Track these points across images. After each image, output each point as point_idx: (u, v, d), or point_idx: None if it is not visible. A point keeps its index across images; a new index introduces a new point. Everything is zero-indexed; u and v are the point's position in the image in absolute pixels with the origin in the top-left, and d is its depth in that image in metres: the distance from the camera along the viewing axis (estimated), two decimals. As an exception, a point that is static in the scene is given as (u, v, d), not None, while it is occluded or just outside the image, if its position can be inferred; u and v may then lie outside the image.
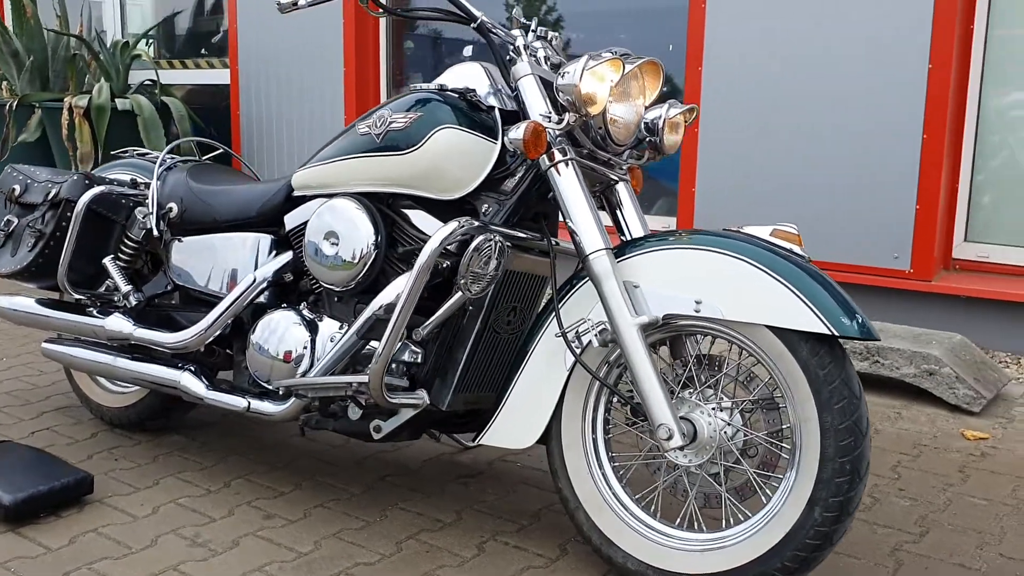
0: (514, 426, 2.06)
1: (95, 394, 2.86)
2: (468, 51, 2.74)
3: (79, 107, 5.41)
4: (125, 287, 2.58)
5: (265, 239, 2.43)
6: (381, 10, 2.17)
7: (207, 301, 2.53)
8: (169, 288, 2.58)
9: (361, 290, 2.22)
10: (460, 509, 2.34)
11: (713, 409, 1.91)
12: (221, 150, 2.80)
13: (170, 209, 2.53)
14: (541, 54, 2.20)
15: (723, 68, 4.12)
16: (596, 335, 1.94)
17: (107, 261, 2.61)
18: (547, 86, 2.06)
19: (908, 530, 2.25)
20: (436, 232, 1.98)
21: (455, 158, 2.06)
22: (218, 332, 2.38)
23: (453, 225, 1.97)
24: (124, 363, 2.52)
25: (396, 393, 2.07)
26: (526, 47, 2.13)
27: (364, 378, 2.04)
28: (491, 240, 1.98)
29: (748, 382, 1.96)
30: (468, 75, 2.18)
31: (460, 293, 2.01)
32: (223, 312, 2.37)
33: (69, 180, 2.56)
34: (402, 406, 2.08)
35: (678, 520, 1.96)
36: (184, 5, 6.53)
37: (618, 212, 2.19)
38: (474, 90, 2.13)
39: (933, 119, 3.69)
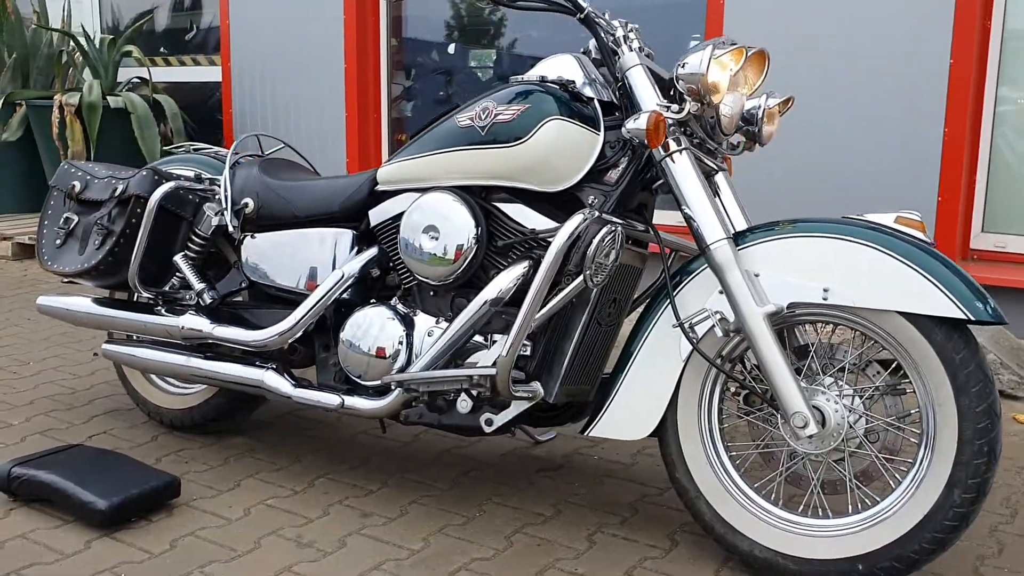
0: (628, 417, 2.06)
1: (153, 396, 2.78)
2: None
3: (70, 105, 5.26)
4: (199, 284, 2.52)
5: (346, 234, 2.39)
6: (490, 1, 2.15)
7: (283, 298, 2.48)
8: (243, 285, 2.52)
9: (459, 284, 2.19)
10: (556, 503, 2.32)
11: (838, 396, 1.92)
12: (281, 146, 2.74)
13: (245, 204, 2.47)
14: (635, 44, 2.20)
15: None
16: (718, 325, 1.94)
17: (179, 258, 2.54)
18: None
19: (998, 511, 2.30)
20: (564, 225, 1.97)
21: (562, 150, 2.05)
22: (304, 329, 2.34)
23: (579, 218, 1.96)
24: (199, 363, 2.46)
25: (516, 385, 2.05)
26: (625, 38, 2.13)
27: (490, 370, 2.02)
28: (614, 231, 1.97)
29: (863, 369, 1.98)
30: (564, 67, 2.17)
31: (571, 285, 1.99)
32: (311, 308, 2.32)
33: (138, 176, 2.48)
34: (521, 398, 2.06)
35: (800, 508, 1.98)
36: (161, 1, 6.39)
37: (718, 202, 2.20)
38: (573, 81, 2.12)
39: (954, 113, 3.78)
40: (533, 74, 2.18)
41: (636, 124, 1.94)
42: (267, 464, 2.54)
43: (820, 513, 1.95)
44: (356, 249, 2.39)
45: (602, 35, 2.12)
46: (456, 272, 2.16)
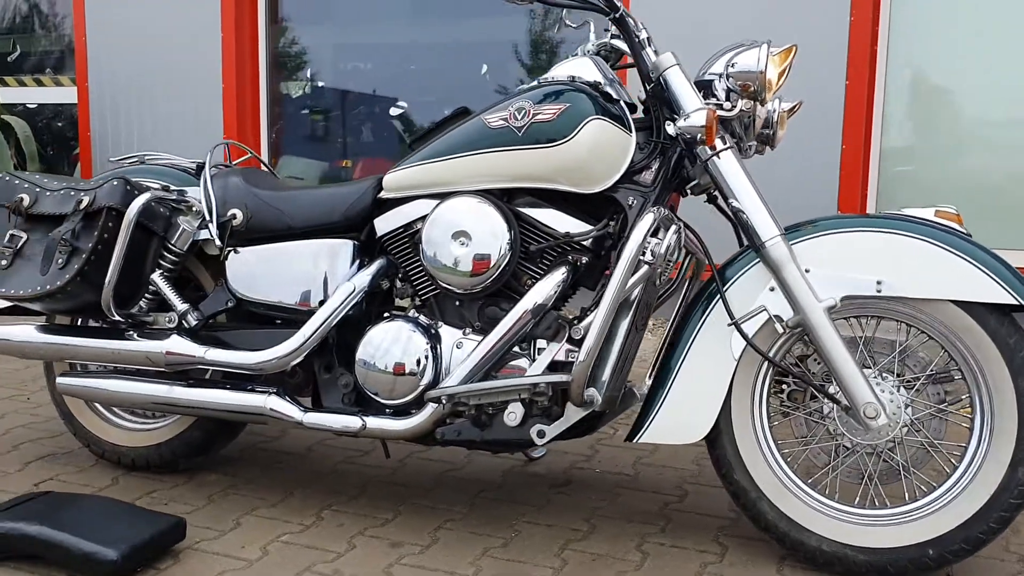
0: (680, 421, 2.02)
1: (108, 434, 2.49)
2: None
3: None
4: (181, 305, 2.27)
5: (347, 245, 2.24)
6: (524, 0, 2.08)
7: (273, 317, 2.29)
8: (229, 304, 2.30)
9: (487, 292, 2.10)
10: (587, 517, 2.25)
11: (893, 386, 1.96)
12: (248, 155, 2.54)
13: (233, 216, 2.26)
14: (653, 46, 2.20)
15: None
16: (777, 322, 1.94)
17: (156, 277, 2.29)
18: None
19: None
20: (639, 225, 1.92)
21: (602, 150, 2.00)
22: (311, 348, 2.16)
23: (650, 217, 1.92)
24: (186, 392, 2.22)
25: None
26: (649, 39, 2.12)
27: (562, 377, 1.94)
28: (680, 230, 1.94)
29: (903, 360, 2.03)
30: (584, 68, 2.13)
31: (641, 285, 1.95)
32: (320, 326, 2.15)
33: (107, 186, 2.22)
34: (587, 406, 1.98)
35: (856, 499, 2.00)
36: (10, 18, 5.86)
37: None
38: (599, 83, 2.09)
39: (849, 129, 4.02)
40: (557, 75, 2.12)
41: (691, 122, 1.93)
42: (258, 500, 2.32)
43: (878, 503, 1.98)
44: (358, 260, 2.24)
45: (634, 36, 2.10)
46: (489, 280, 2.06)
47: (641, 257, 1.93)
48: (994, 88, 3.98)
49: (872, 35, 4.06)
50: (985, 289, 1.86)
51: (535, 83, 2.11)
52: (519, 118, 2.04)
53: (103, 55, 5.25)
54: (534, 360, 2.04)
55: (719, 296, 2.00)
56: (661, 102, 2.06)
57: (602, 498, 2.37)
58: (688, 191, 2.13)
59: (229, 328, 2.31)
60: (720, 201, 2.06)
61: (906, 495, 1.97)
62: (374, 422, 2.11)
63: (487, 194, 2.09)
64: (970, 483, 1.89)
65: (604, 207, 2.08)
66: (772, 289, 1.97)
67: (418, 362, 2.09)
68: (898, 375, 1.99)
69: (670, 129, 1.97)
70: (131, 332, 2.28)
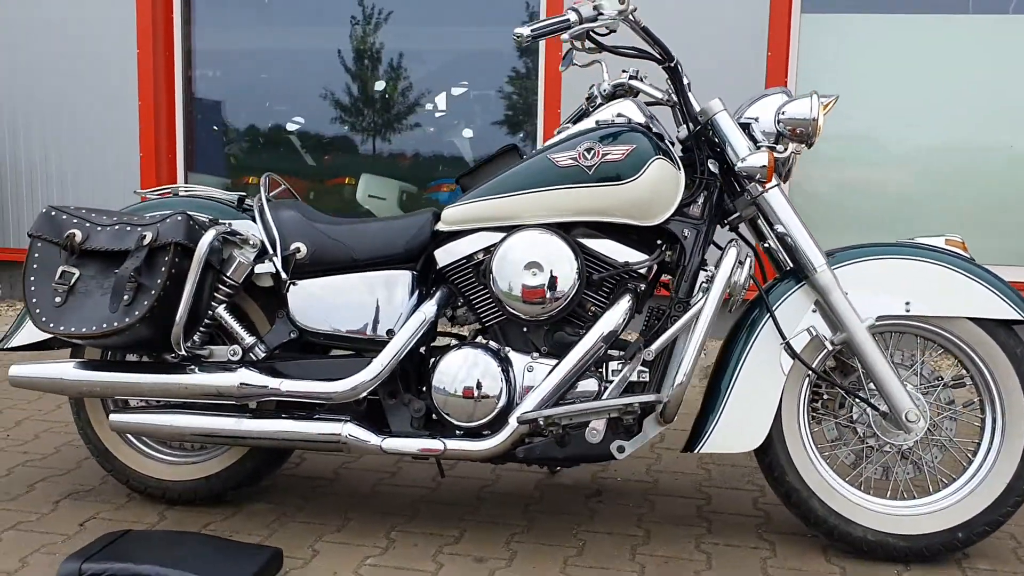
0: (738, 431, 2.23)
1: (148, 468, 2.46)
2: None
3: None
4: (249, 337, 2.30)
5: (406, 275, 2.34)
6: (583, 49, 2.24)
7: (335, 347, 2.36)
8: (292, 335, 2.34)
9: (556, 319, 2.25)
10: (636, 523, 2.43)
11: (920, 393, 2.25)
12: (283, 186, 2.57)
13: (297, 250, 2.31)
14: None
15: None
16: (826, 341, 2.20)
17: (222, 311, 2.30)
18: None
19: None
20: (726, 259, 2.13)
21: (663, 187, 2.20)
22: (389, 375, 2.25)
23: (734, 251, 2.14)
24: (259, 424, 2.25)
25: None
26: (689, 85, 2.34)
27: (653, 397, 2.11)
28: (751, 261, 2.16)
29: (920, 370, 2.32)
30: (630, 110, 2.32)
31: (709, 310, 2.15)
32: (396, 353, 2.24)
33: (172, 221, 2.21)
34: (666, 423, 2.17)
35: (888, 493, 2.28)
36: None
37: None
38: (649, 125, 2.28)
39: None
40: (607, 117, 2.30)
41: (753, 162, 2.15)
42: (319, 527, 2.37)
43: (907, 496, 2.27)
44: (417, 291, 2.34)
45: (684, 81, 2.30)
46: (558, 308, 2.21)
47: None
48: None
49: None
50: (996, 307, 2.17)
51: (594, 124, 2.28)
52: (588, 158, 2.21)
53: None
54: (604, 381, 2.21)
55: (769, 316, 2.23)
56: (705, 142, 2.28)
57: (639, 505, 2.56)
58: (726, 223, 2.36)
59: (287, 359, 2.35)
60: (766, 231, 2.29)
61: (929, 487, 2.27)
62: (454, 444, 2.22)
63: (551, 227, 2.24)
64: (988, 475, 2.20)
65: (653, 238, 2.28)
66: (814, 311, 2.23)
67: (495, 386, 2.21)
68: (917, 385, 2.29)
69: (737, 167, 2.19)
70: (191, 367, 2.29)
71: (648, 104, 2.41)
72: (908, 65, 4.47)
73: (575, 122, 2.44)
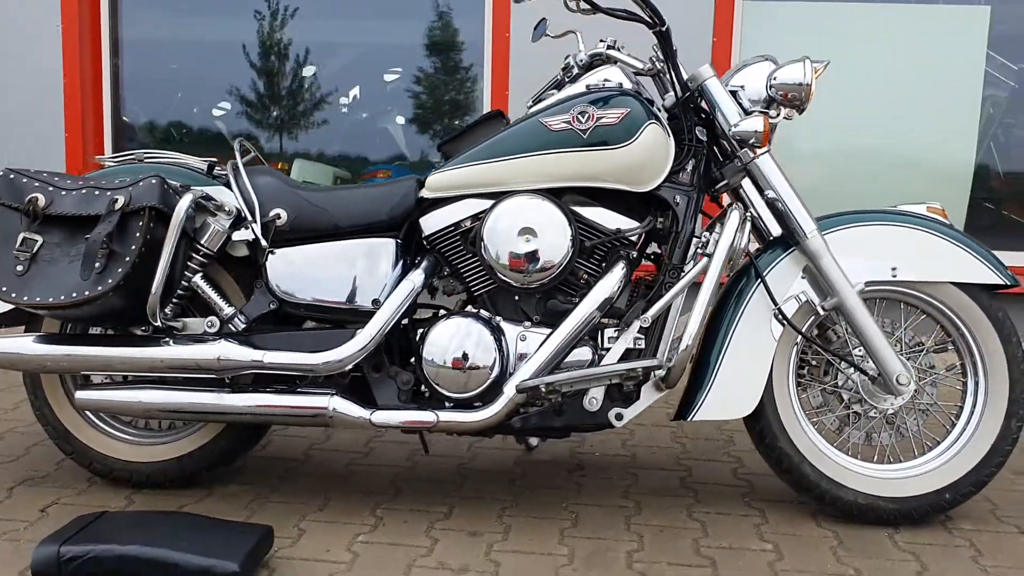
0: (730, 397, 2.22)
1: (116, 451, 2.32)
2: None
3: None
4: (228, 308, 2.18)
5: (390, 244, 2.26)
6: (577, 9, 2.20)
7: (315, 318, 2.26)
8: (273, 306, 2.23)
9: (549, 287, 2.20)
10: (625, 495, 2.40)
11: (906, 357, 2.28)
12: (253, 154, 2.45)
13: (277, 216, 2.21)
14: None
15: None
16: (818, 305, 2.20)
17: (199, 280, 2.18)
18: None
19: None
20: (728, 224, 2.11)
21: (656, 152, 2.18)
22: (376, 345, 2.16)
23: (736, 215, 2.12)
24: (241, 399, 2.14)
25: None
26: (676, 52, 2.32)
27: (655, 361, 2.08)
28: (749, 221, 2.15)
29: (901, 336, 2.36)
30: (616, 76, 2.29)
31: (714, 273, 2.13)
32: (385, 323, 2.16)
33: (145, 184, 2.08)
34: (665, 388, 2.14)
35: (875, 457, 2.31)
36: None
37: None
38: (638, 91, 2.26)
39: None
40: (597, 81, 2.26)
41: (747, 126, 2.15)
42: (299, 506, 2.27)
43: (892, 459, 2.29)
44: (402, 259, 2.26)
45: (673, 48, 2.28)
46: (553, 275, 2.17)
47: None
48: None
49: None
50: (979, 272, 2.21)
51: (584, 88, 2.24)
52: (583, 121, 2.16)
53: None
54: (601, 349, 2.18)
55: (760, 282, 2.22)
56: (693, 109, 2.27)
57: (623, 478, 2.53)
58: (714, 191, 2.35)
59: (265, 331, 2.24)
60: (749, 199, 2.28)
61: (915, 451, 2.30)
62: (447, 416, 2.15)
63: (542, 193, 2.19)
64: (972, 436, 2.24)
65: (642, 205, 2.25)
66: (803, 277, 2.23)
67: (488, 356, 2.15)
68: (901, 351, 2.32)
69: (730, 131, 2.17)
70: (164, 339, 2.16)
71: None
72: (848, 51, 4.56)
73: (557, 90, 2.41)
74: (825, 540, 2.16)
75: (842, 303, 2.19)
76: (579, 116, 2.17)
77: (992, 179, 4.60)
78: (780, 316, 2.21)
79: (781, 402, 2.26)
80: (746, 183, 2.30)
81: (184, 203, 2.10)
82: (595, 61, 2.47)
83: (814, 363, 2.36)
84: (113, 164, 2.34)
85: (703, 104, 2.27)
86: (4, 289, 2.05)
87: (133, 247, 2.04)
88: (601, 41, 2.49)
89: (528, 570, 1.96)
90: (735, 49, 4.52)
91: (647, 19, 2.24)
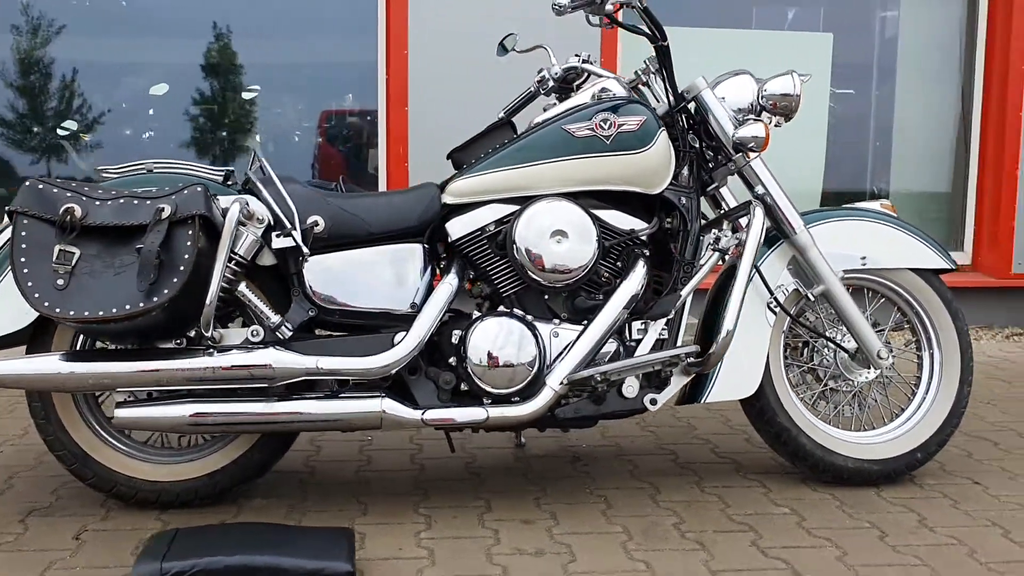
0: (737, 379, 2.44)
1: (139, 471, 2.22)
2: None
3: None
4: (275, 316, 2.16)
5: (419, 249, 2.33)
6: (609, 22, 2.36)
7: (351, 324, 2.29)
8: (311, 313, 2.23)
9: (575, 286, 2.34)
10: (636, 477, 2.56)
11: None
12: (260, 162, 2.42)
13: (315, 223, 2.21)
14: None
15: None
16: (807, 293, 2.47)
17: (244, 289, 2.14)
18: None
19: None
20: (755, 223, 2.31)
21: (665, 157, 2.38)
22: (422, 347, 2.22)
23: (761, 212, 2.33)
24: (293, 406, 2.14)
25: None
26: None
27: (694, 347, 2.27)
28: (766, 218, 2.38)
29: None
30: (616, 87, 2.48)
31: (746, 265, 2.33)
32: (430, 325, 2.22)
33: (191, 193, 2.04)
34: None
35: (853, 426, 2.60)
36: None
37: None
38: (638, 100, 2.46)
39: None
40: (605, 92, 2.43)
41: (749, 132, 2.38)
42: (339, 513, 2.27)
43: (864, 427, 2.59)
44: (431, 264, 2.33)
45: (670, 63, 2.48)
46: (581, 274, 2.31)
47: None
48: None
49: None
50: (932, 259, 2.56)
51: (593, 97, 2.41)
52: (605, 128, 2.33)
53: None
54: (630, 341, 2.34)
55: (755, 273, 2.46)
56: (685, 118, 2.49)
57: (623, 464, 2.69)
58: (706, 192, 2.57)
59: (304, 338, 2.23)
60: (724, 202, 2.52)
61: (884, 418, 2.61)
62: (496, 411, 2.23)
63: (565, 197, 2.33)
64: (934, 402, 2.58)
65: (647, 207, 2.44)
66: (790, 267, 2.50)
67: (532, 352, 2.26)
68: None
69: (735, 136, 2.39)
70: (208, 349, 2.12)
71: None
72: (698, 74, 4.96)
73: (530, 101, 2.61)
74: (827, 501, 2.42)
75: (828, 290, 2.47)
76: (601, 123, 2.32)
77: (837, 201, 5.13)
78: (775, 304, 2.45)
79: (777, 381, 2.50)
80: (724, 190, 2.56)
81: (235, 211, 2.08)
82: (569, 74, 2.65)
83: (792, 346, 2.63)
84: (117, 175, 2.26)
85: (696, 114, 2.49)
86: (47, 304, 1.95)
87: (187, 256, 2.00)
88: (576, 55, 2.67)
89: (599, 547, 2.09)
90: (618, 65, 4.82)
91: (651, 35, 2.44)
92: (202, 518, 2.21)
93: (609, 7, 2.35)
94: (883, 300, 2.64)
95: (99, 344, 2.24)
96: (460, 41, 4.63)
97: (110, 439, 2.24)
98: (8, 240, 2.12)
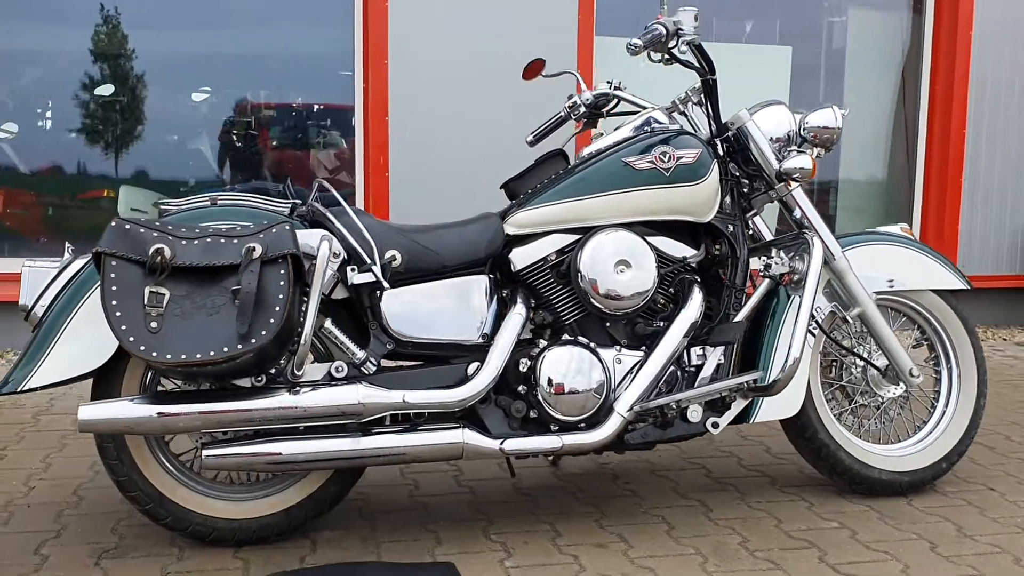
0: (782, 400, 2.55)
1: (214, 510, 2.20)
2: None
3: None
4: (360, 352, 2.16)
5: (485, 279, 2.37)
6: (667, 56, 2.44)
7: (425, 356, 2.31)
8: (389, 347, 2.24)
9: (633, 313, 2.41)
10: (681, 495, 2.65)
11: (898, 354, 2.73)
12: (322, 192, 2.40)
13: (393, 257, 2.22)
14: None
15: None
16: (847, 315, 2.60)
17: (330, 325, 2.13)
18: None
19: None
20: (815, 252, 2.41)
21: (716, 186, 2.47)
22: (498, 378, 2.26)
23: (820, 244, 2.42)
24: (378, 441, 2.15)
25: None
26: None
27: (758, 373, 2.36)
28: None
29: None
30: (664, 119, 2.55)
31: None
32: (505, 355, 2.26)
33: (279, 231, 2.02)
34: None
35: (881, 439, 2.74)
36: None
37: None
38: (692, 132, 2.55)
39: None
40: (654, 124, 2.51)
41: (798, 164, 2.48)
42: (416, 543, 2.29)
43: (892, 440, 2.75)
44: (495, 293, 2.37)
45: (716, 94, 2.57)
46: (642, 302, 2.38)
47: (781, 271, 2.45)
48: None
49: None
50: (951, 280, 2.73)
51: (646, 130, 2.48)
52: (664, 161, 2.40)
53: None
54: (689, 366, 2.43)
55: (792, 300, 2.57)
56: (729, 147, 2.58)
57: (654, 482, 2.78)
58: (746, 220, 2.66)
59: (383, 372, 2.25)
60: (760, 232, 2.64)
61: (908, 430, 2.76)
62: (570, 439, 2.29)
63: (624, 227, 2.40)
64: (954, 415, 2.74)
65: (690, 234, 2.53)
66: (827, 290, 2.62)
67: (600, 379, 2.32)
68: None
69: (781, 167, 2.49)
70: (295, 387, 2.11)
71: (628, 112, 2.67)
72: (661, 85, 5.09)
73: (555, 127, 2.73)
74: (868, 513, 2.55)
75: (864, 311, 2.60)
76: (661, 156, 2.40)
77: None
78: (815, 327, 2.57)
79: (816, 400, 2.63)
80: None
81: (325, 249, 2.07)
82: (599, 100, 2.72)
83: (823, 364, 2.76)
84: (178, 208, 2.22)
85: (736, 144, 2.59)
86: (143, 348, 1.92)
87: (281, 296, 1.99)
88: (607, 82, 2.75)
89: (680, 570, 2.17)
90: (594, 76, 4.91)
91: (700, 68, 2.52)
92: (280, 553, 2.21)
93: (671, 44, 2.42)
94: (904, 319, 2.80)
95: (168, 384, 2.21)
96: (441, 51, 4.65)
97: (184, 478, 2.21)
98: (74, 275, 2.10)
